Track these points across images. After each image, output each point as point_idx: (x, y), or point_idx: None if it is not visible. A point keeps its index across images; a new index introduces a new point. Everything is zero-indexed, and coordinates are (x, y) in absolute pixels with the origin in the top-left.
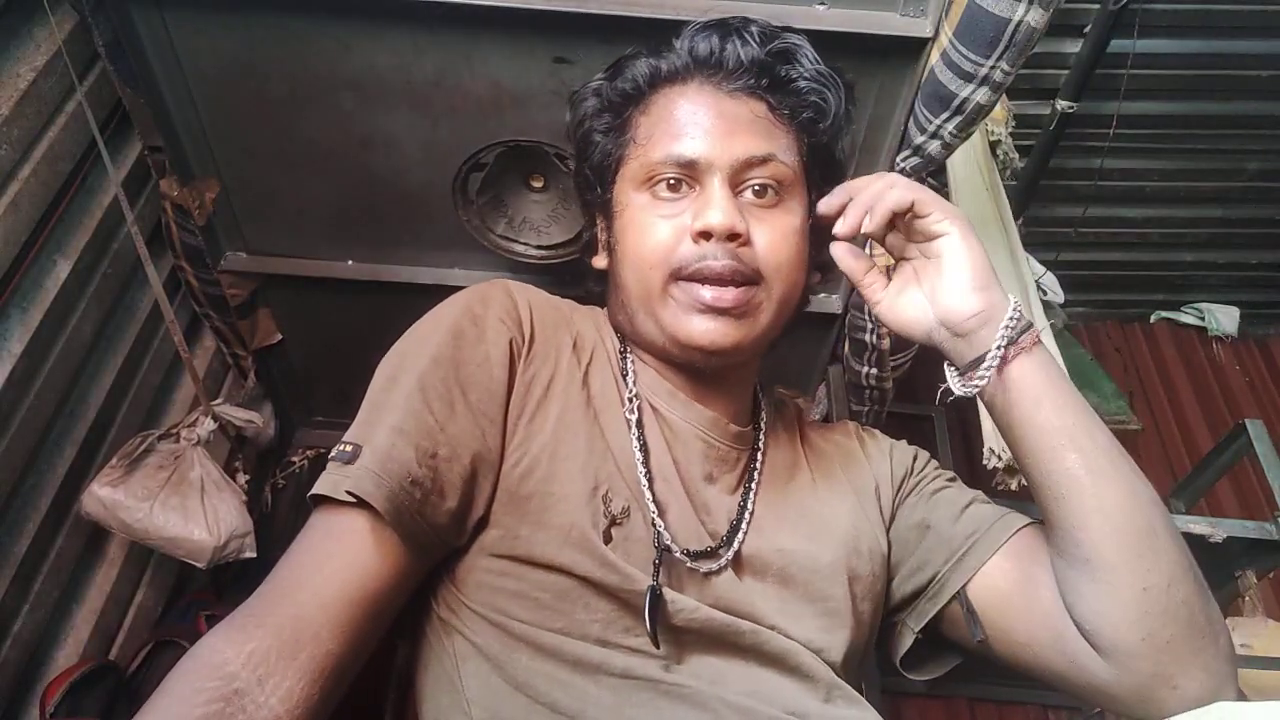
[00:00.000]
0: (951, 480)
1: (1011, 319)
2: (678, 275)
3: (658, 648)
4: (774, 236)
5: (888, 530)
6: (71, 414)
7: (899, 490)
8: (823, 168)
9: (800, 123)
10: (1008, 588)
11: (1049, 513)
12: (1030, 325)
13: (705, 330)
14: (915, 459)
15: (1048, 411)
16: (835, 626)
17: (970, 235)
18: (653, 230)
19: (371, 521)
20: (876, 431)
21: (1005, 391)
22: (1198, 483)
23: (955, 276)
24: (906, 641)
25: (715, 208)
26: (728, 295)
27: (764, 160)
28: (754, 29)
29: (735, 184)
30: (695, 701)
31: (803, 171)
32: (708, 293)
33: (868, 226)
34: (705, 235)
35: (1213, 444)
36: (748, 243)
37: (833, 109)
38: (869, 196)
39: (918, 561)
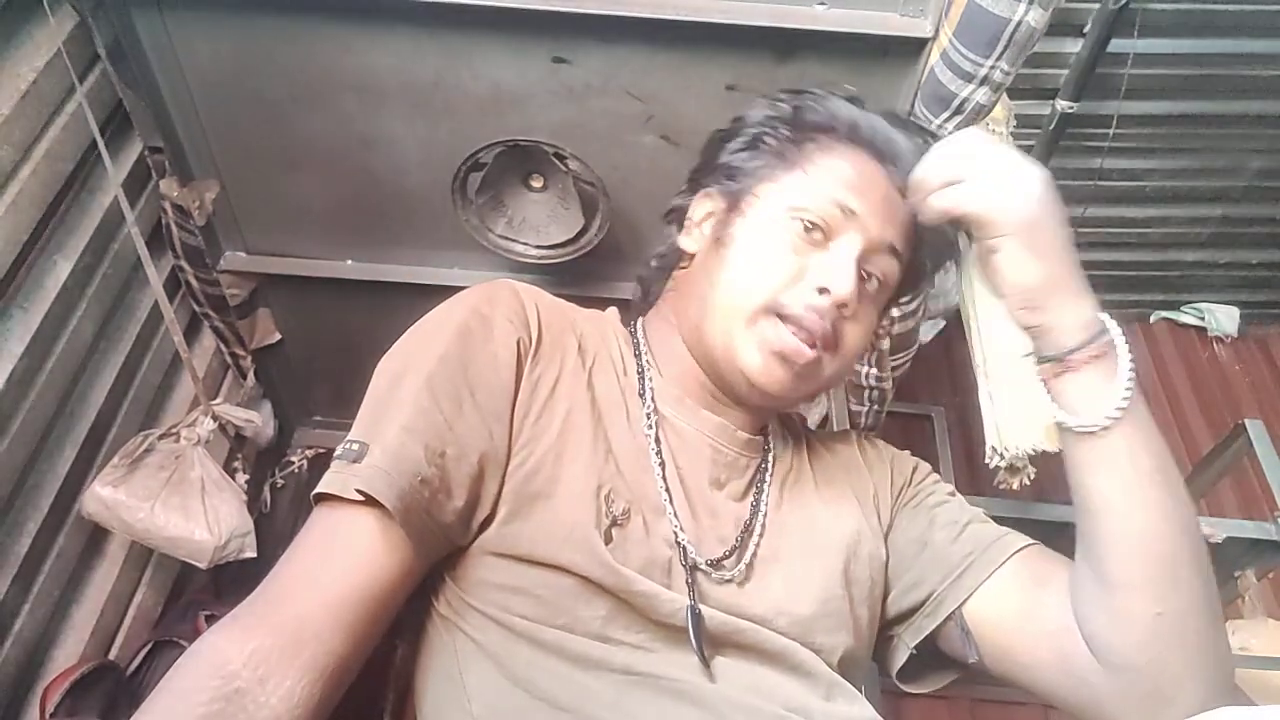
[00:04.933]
0: (951, 495)
1: (1083, 341)
2: (776, 310)
3: (707, 666)
4: (862, 324)
5: (885, 538)
6: (71, 414)
7: (897, 498)
8: (904, 292)
9: (918, 246)
10: (1007, 608)
11: (1079, 522)
12: (1100, 335)
13: (767, 373)
14: (915, 469)
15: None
16: (834, 629)
17: (1020, 256)
18: (778, 255)
19: (378, 520)
20: (878, 440)
21: (1053, 400)
22: (1198, 483)
23: (1003, 290)
24: (902, 656)
25: (847, 275)
26: (804, 354)
27: (893, 255)
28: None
29: (862, 262)
30: (697, 698)
31: (897, 285)
32: (790, 343)
33: (921, 217)
34: (824, 292)
35: (1213, 444)
36: (850, 320)
37: (946, 255)
38: (932, 185)
39: (914, 578)
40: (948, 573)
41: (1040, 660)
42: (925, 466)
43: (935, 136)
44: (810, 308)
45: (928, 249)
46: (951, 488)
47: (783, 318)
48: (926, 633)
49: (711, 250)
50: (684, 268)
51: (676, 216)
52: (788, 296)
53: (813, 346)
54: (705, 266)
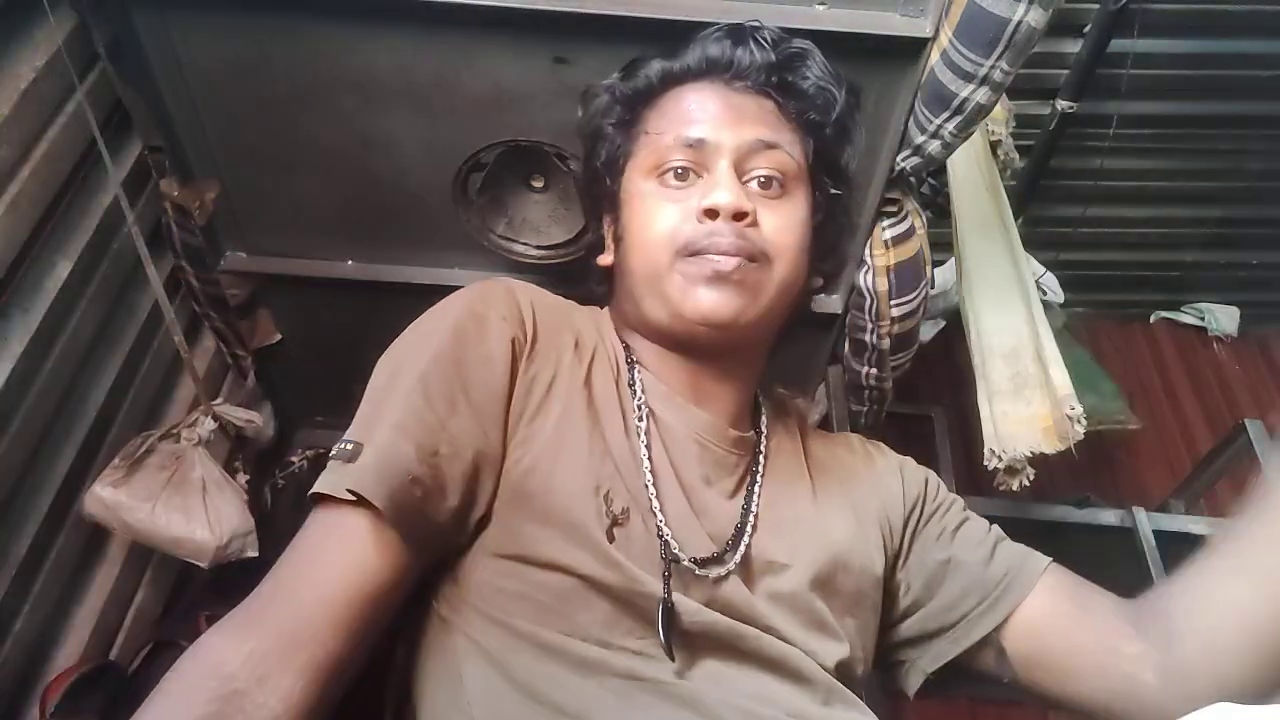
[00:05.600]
0: (965, 510)
1: None
2: (685, 253)
3: (673, 659)
4: (780, 222)
5: (896, 556)
6: (71, 414)
7: (911, 515)
8: (828, 170)
9: (807, 123)
10: (1046, 624)
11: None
12: None
13: (710, 300)
14: (927, 483)
15: None
16: (824, 636)
17: None
18: (661, 213)
19: (372, 520)
20: (883, 446)
21: None
22: (1198, 483)
23: None
24: (915, 681)
25: (722, 187)
26: (731, 262)
27: (770, 147)
28: (765, 34)
29: (741, 171)
30: (698, 704)
31: (807, 170)
32: (711, 263)
33: None
34: (712, 214)
35: (1213, 444)
36: (755, 224)
37: (838, 112)
38: None
39: (944, 602)
40: (984, 596)
41: (1081, 667)
42: (934, 478)
43: (759, 28)
44: (710, 234)
45: (814, 111)
46: (962, 501)
47: (693, 255)
48: (950, 657)
49: (618, 252)
50: (612, 280)
51: (598, 249)
52: (685, 236)
53: (735, 255)
54: (620, 266)
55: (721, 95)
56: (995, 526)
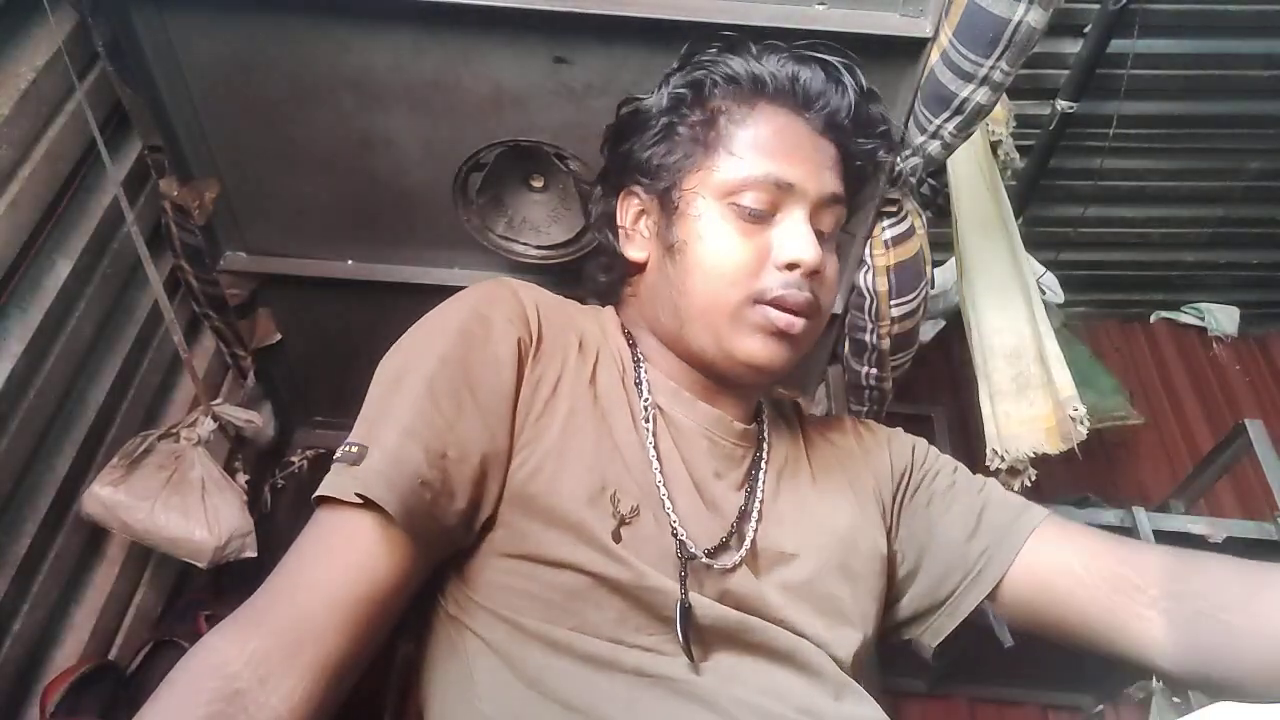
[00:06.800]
0: (955, 472)
1: None
2: (758, 299)
3: (692, 660)
4: (830, 276)
5: (889, 530)
6: (71, 414)
7: (900, 486)
8: (851, 214)
9: (855, 178)
10: (1039, 586)
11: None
12: None
13: (768, 353)
14: (914, 450)
15: None
16: (839, 624)
17: None
18: (736, 248)
19: (378, 522)
20: (872, 423)
21: None
22: (1198, 483)
23: None
24: (925, 654)
25: (807, 243)
26: (798, 324)
27: (837, 202)
28: (853, 80)
29: (813, 221)
30: (708, 700)
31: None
32: (782, 319)
33: None
34: (793, 266)
35: (1213, 444)
36: (822, 280)
37: (883, 182)
38: None
39: (931, 580)
40: (966, 571)
41: (1081, 634)
42: (923, 445)
43: (840, 59)
44: (787, 284)
45: (862, 170)
46: (954, 463)
47: (763, 302)
48: (948, 631)
49: (665, 258)
50: (636, 274)
51: (605, 223)
52: (761, 282)
53: (800, 315)
54: (664, 274)
55: (805, 131)
56: (989, 483)
